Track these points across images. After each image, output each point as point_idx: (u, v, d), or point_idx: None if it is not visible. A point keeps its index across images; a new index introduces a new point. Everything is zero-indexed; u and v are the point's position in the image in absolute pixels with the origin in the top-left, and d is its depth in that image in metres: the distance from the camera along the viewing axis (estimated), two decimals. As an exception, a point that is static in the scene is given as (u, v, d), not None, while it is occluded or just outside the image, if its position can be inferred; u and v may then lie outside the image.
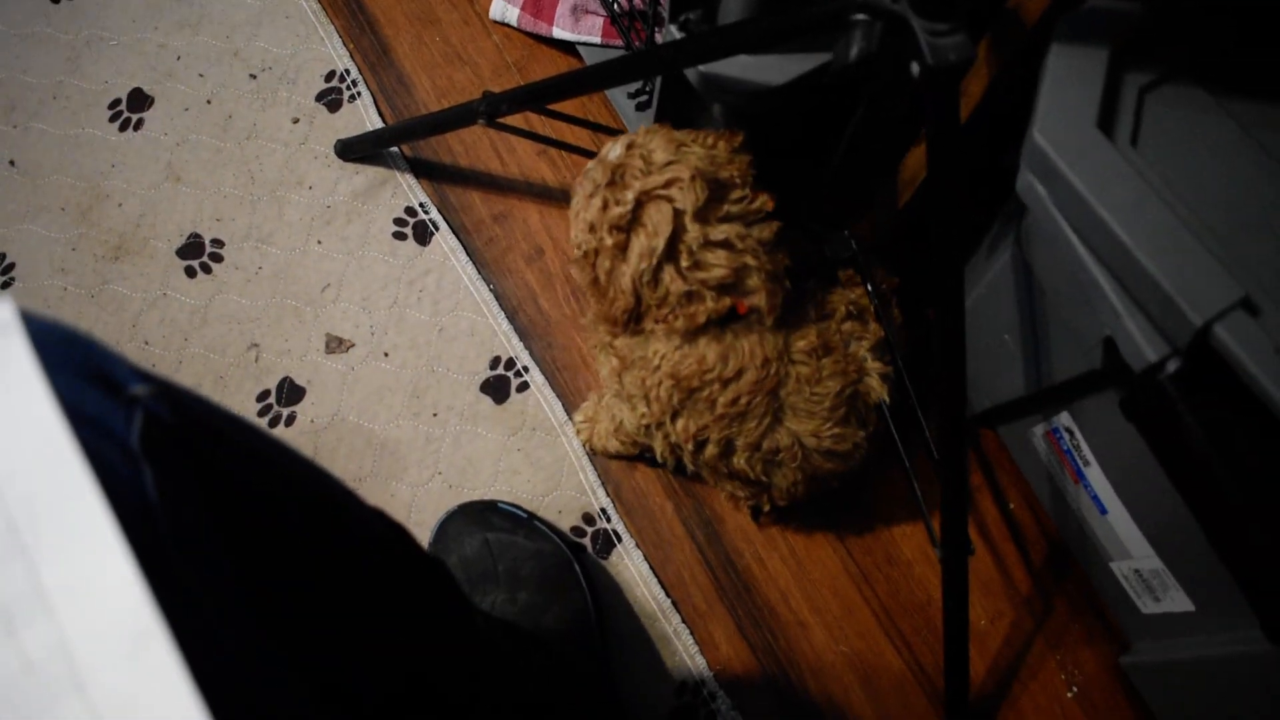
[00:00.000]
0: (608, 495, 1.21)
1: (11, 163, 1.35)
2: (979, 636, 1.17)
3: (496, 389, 1.25)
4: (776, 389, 0.95)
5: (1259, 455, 0.75)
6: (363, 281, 1.30)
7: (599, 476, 1.21)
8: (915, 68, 0.72)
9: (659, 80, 1.20)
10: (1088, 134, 0.80)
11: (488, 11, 1.47)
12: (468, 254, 1.33)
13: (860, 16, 0.76)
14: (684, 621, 1.15)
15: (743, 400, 0.94)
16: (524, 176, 1.38)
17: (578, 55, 1.44)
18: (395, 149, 1.38)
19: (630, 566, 1.17)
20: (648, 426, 1.03)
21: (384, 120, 1.41)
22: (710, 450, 0.99)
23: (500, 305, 1.30)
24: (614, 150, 0.92)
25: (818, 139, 1.23)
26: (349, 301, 1.29)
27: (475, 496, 1.19)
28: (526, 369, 1.26)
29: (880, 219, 1.17)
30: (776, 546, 1.19)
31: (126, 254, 1.30)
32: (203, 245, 1.31)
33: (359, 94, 1.42)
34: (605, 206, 0.89)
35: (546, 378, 1.26)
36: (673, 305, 0.90)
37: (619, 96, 1.39)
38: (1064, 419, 1.03)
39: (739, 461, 1.00)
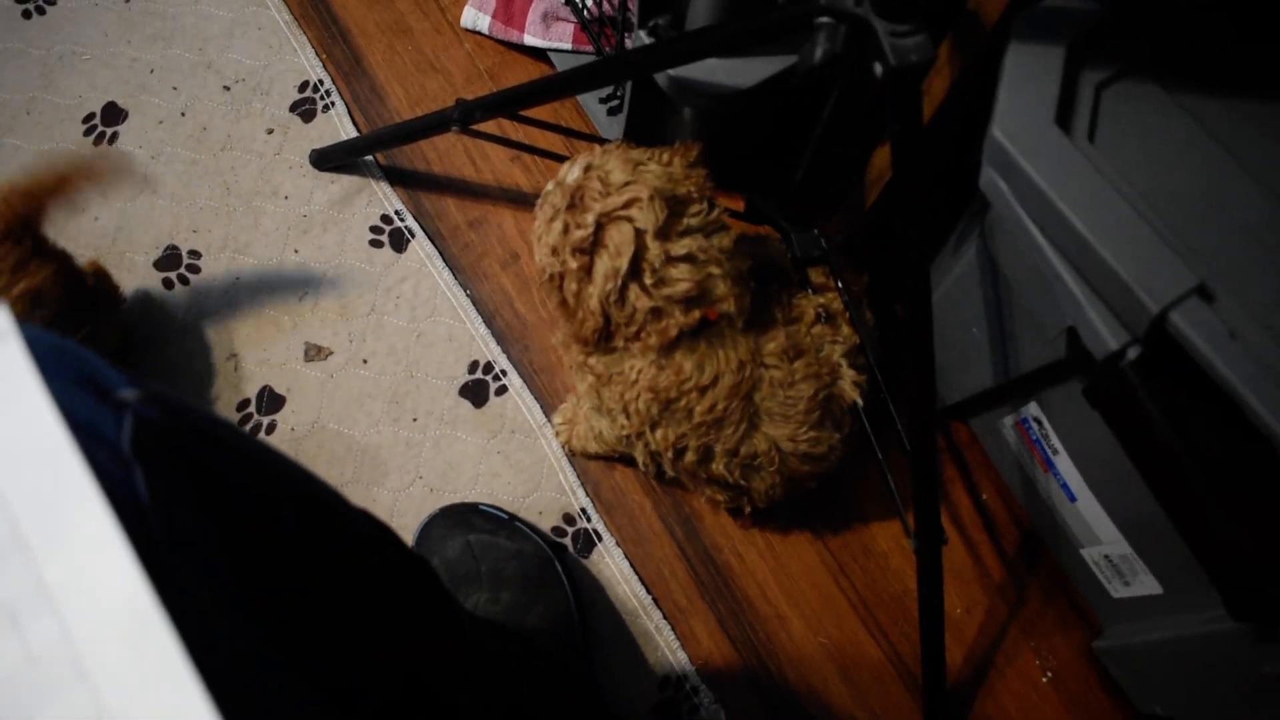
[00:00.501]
0: (587, 495, 1.22)
1: (-14, 178, 1.35)
2: (955, 625, 1.19)
3: (475, 393, 1.27)
4: (751, 394, 0.96)
5: (1217, 437, 0.77)
6: (340, 289, 1.31)
7: (578, 477, 1.23)
8: (878, 68, 0.74)
9: (630, 85, 1.21)
10: (1046, 130, 0.82)
11: (459, 20, 1.48)
12: (444, 260, 1.34)
13: (824, 19, 0.77)
14: (665, 618, 1.17)
15: (719, 406, 0.95)
16: (498, 182, 1.39)
17: (549, 62, 1.45)
18: (370, 157, 1.39)
19: (611, 564, 1.19)
20: (628, 437, 1.04)
21: (358, 129, 1.42)
22: (689, 457, 1.01)
23: (477, 310, 1.31)
24: (571, 172, 0.92)
25: (786, 140, 1.25)
26: (327, 309, 1.30)
27: (456, 499, 1.20)
28: (505, 372, 1.28)
29: (849, 217, 1.19)
30: (754, 541, 1.21)
31: (104, 267, 1.30)
32: (180, 257, 1.32)
33: (333, 104, 1.43)
34: (566, 230, 0.90)
35: (525, 381, 1.28)
36: (641, 323, 0.91)
37: (591, 101, 1.40)
38: (1032, 409, 1.05)
39: (718, 467, 1.02)
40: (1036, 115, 0.83)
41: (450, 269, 1.33)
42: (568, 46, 1.40)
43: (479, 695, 0.80)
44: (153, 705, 0.32)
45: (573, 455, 1.24)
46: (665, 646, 1.15)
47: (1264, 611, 0.80)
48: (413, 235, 1.35)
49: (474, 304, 1.32)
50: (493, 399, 1.26)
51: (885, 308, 1.23)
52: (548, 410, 1.26)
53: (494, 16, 1.44)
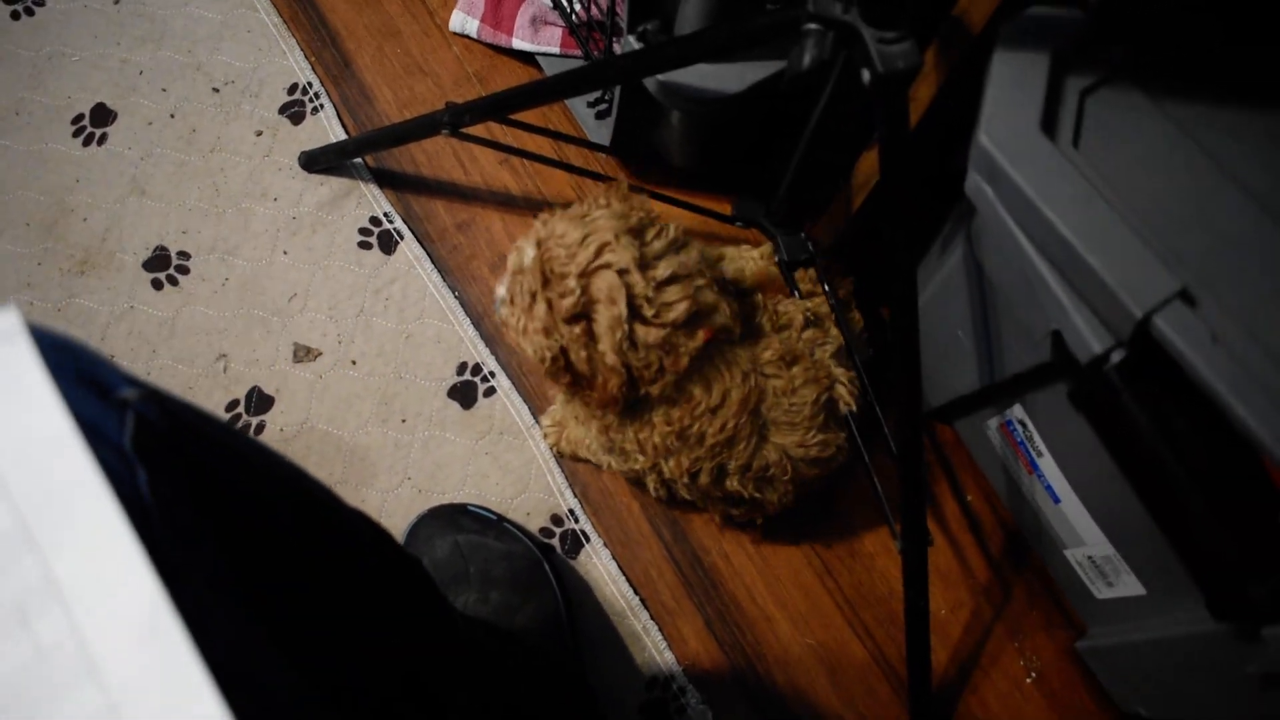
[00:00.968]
0: (575, 496, 1.23)
1: (-26, 179, 1.35)
2: (940, 626, 1.20)
3: (464, 394, 1.27)
4: (758, 407, 0.97)
5: (1200, 439, 0.78)
6: (329, 291, 1.32)
7: (566, 478, 1.23)
8: (866, 75, 0.74)
9: (619, 89, 1.22)
10: (1031, 136, 0.83)
11: (448, 23, 1.48)
12: (433, 262, 1.34)
13: (812, 26, 0.78)
14: (652, 618, 1.17)
15: (730, 425, 0.96)
16: (487, 185, 1.40)
17: (538, 65, 1.46)
18: (359, 160, 1.40)
19: (599, 565, 1.19)
20: (639, 469, 1.05)
21: (347, 132, 1.43)
22: (704, 479, 1.01)
23: (466, 312, 1.32)
24: (526, 255, 0.91)
25: (774, 144, 1.26)
26: (316, 311, 1.30)
27: (445, 500, 1.21)
28: (493, 374, 1.28)
29: (835, 221, 1.20)
30: (741, 543, 1.22)
31: (93, 268, 1.30)
32: (169, 258, 1.32)
33: (321, 106, 1.43)
34: (551, 306, 0.89)
35: (513, 382, 1.28)
36: (656, 362, 0.90)
37: (579, 106, 1.41)
38: (1017, 411, 1.06)
39: (732, 484, 1.02)
40: (1022, 121, 0.84)
41: (439, 271, 1.34)
42: (556, 51, 1.41)
43: (476, 694, 0.81)
44: (165, 703, 0.33)
45: (560, 457, 1.24)
46: (653, 647, 1.16)
47: (1245, 612, 0.81)
48: (401, 237, 1.35)
49: (462, 306, 1.32)
50: (481, 400, 1.27)
51: (872, 311, 1.24)
52: (536, 412, 1.27)
53: (482, 20, 1.45)
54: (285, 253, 1.33)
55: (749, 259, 1.13)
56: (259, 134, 1.41)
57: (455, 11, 1.47)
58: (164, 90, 1.43)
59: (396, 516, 1.20)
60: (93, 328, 1.28)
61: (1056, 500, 1.06)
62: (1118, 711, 1.15)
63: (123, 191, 1.36)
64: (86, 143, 1.38)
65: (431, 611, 0.77)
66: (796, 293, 1.10)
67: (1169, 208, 0.83)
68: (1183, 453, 0.79)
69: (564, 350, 0.90)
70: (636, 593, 1.18)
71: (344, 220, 1.36)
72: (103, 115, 1.40)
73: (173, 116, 1.41)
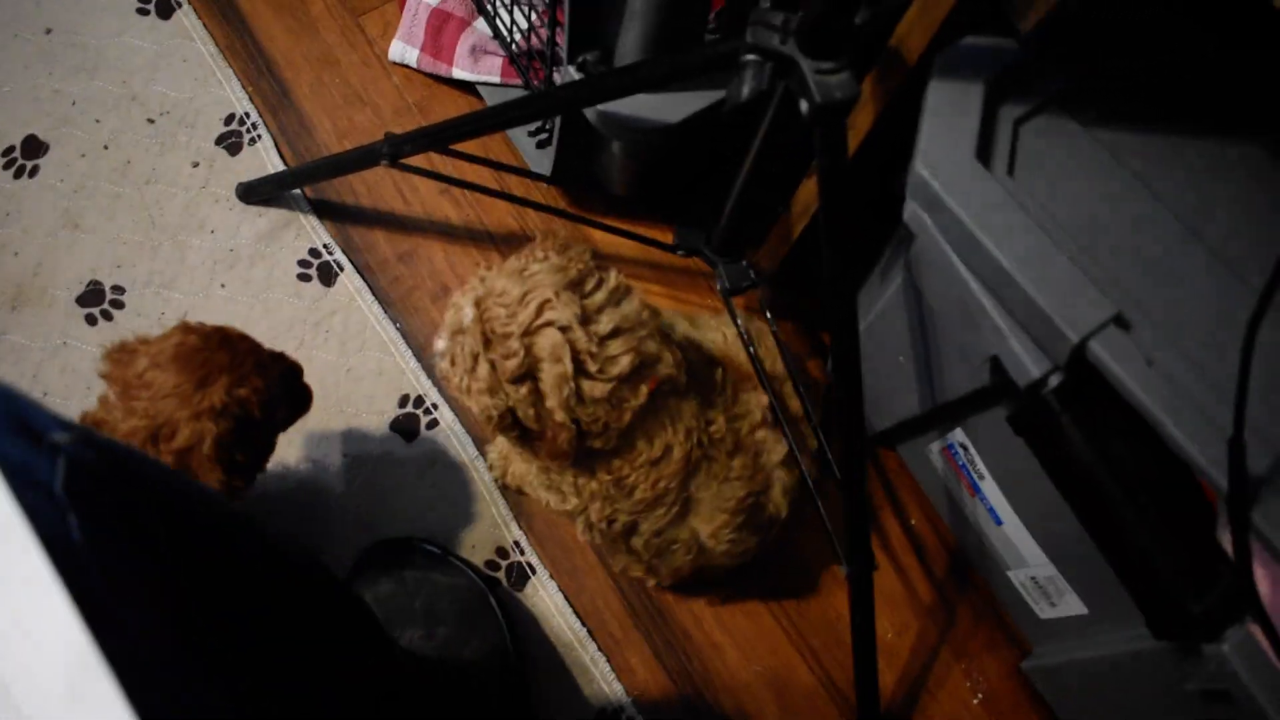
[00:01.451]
0: (520, 528, 1.22)
1: (-100, 214, 1.32)
2: (887, 649, 1.20)
3: (406, 427, 1.26)
4: (688, 480, 0.97)
5: (1136, 461, 0.79)
6: (268, 324, 1.30)
7: (511, 510, 1.22)
8: (804, 105, 0.75)
9: (559, 118, 1.22)
10: (967, 165, 0.85)
11: (387, 53, 1.48)
12: (373, 294, 1.33)
13: (751, 57, 0.79)
14: (600, 649, 1.17)
15: (661, 485, 0.96)
16: (428, 215, 1.39)
17: (478, 95, 1.46)
18: (298, 191, 1.38)
19: (545, 598, 1.18)
20: (571, 510, 1.04)
21: (285, 162, 1.41)
22: (616, 527, 1.01)
23: (408, 343, 1.31)
24: (466, 315, 0.89)
25: (715, 172, 1.26)
26: (255, 344, 1.28)
27: (389, 534, 1.19)
28: (435, 406, 1.27)
29: (776, 248, 1.21)
30: (689, 571, 1.22)
31: (25, 303, 1.28)
32: (103, 292, 1.30)
33: (259, 137, 1.42)
34: (495, 367, 0.87)
35: (456, 414, 1.27)
36: (603, 419, 0.88)
37: (520, 135, 1.41)
38: (958, 435, 1.07)
39: (637, 544, 1.03)
40: (958, 151, 0.85)
41: (380, 302, 1.33)
42: (496, 80, 1.41)
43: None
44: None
45: (505, 488, 1.23)
46: (601, 678, 1.15)
47: (1184, 630, 0.82)
48: (341, 269, 1.34)
49: (404, 337, 1.31)
50: (424, 433, 1.26)
51: (814, 337, 1.24)
52: (479, 443, 1.26)
53: (422, 49, 1.45)
54: (223, 285, 1.32)
55: (721, 334, 1.12)
56: (195, 165, 1.39)
57: (395, 40, 1.47)
58: (97, 121, 1.41)
59: (341, 551, 1.18)
60: (25, 365, 1.25)
61: (999, 522, 1.07)
62: (1063, 730, 1.16)
63: (55, 225, 1.33)
64: (17, 175, 1.36)
65: (374, 649, 0.76)
66: (738, 324, 1.10)
67: (1102, 233, 0.85)
68: (1120, 474, 0.80)
69: (511, 409, 0.89)
70: (584, 624, 1.18)
71: (283, 252, 1.35)
72: (34, 147, 1.38)
73: (106, 148, 1.39)
